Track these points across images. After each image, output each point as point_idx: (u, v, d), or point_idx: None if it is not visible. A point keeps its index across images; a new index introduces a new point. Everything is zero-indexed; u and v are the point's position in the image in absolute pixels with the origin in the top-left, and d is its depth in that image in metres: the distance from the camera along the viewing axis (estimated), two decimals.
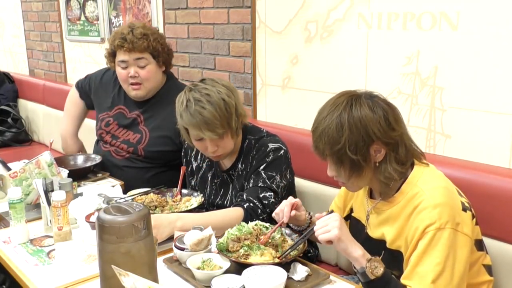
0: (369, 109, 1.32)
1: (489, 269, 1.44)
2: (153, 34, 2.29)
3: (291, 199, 1.55)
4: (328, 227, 1.32)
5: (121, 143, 2.35)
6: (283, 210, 1.52)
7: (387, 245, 1.41)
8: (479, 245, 1.41)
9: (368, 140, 1.31)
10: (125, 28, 2.28)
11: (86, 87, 2.58)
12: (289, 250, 1.44)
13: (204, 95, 1.71)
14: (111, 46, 2.30)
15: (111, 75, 2.50)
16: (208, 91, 1.72)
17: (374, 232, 1.46)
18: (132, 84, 2.29)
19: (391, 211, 1.40)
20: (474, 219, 1.37)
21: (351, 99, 1.34)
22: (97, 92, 2.53)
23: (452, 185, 1.39)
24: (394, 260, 1.40)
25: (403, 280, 1.31)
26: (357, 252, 1.32)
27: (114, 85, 2.47)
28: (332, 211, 1.45)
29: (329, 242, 1.33)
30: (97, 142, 2.52)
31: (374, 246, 1.45)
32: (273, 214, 1.56)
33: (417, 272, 1.28)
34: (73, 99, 2.65)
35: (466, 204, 1.36)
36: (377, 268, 1.29)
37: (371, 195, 1.51)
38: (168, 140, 2.28)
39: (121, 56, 2.27)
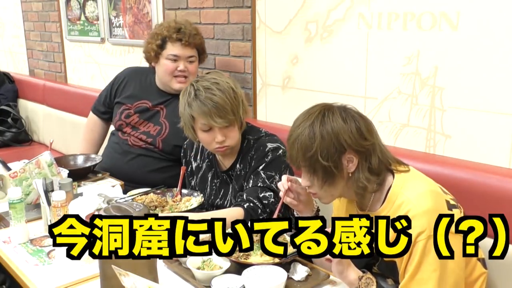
0: (341, 119, 1.35)
1: (483, 261, 1.45)
2: (200, 33, 2.41)
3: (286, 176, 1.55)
4: None
5: (141, 134, 2.43)
6: (282, 182, 1.53)
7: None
8: None
9: (340, 148, 1.33)
10: (177, 23, 2.34)
11: (107, 98, 2.61)
12: (290, 256, 1.43)
13: (213, 83, 1.76)
14: (163, 38, 2.32)
15: (131, 71, 2.63)
16: (216, 80, 1.78)
17: None
18: (178, 77, 2.36)
19: None
20: (462, 214, 1.38)
21: (324, 109, 1.38)
22: (119, 89, 2.58)
23: (435, 184, 1.39)
24: (389, 268, 1.41)
25: None
26: (352, 276, 1.32)
27: (135, 79, 2.55)
28: None
29: (328, 260, 1.32)
30: (112, 134, 2.57)
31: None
32: (280, 194, 1.54)
33: (416, 280, 1.28)
34: (91, 124, 2.73)
35: (452, 202, 1.36)
36: (369, 285, 1.30)
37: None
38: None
39: (175, 50, 2.32)
